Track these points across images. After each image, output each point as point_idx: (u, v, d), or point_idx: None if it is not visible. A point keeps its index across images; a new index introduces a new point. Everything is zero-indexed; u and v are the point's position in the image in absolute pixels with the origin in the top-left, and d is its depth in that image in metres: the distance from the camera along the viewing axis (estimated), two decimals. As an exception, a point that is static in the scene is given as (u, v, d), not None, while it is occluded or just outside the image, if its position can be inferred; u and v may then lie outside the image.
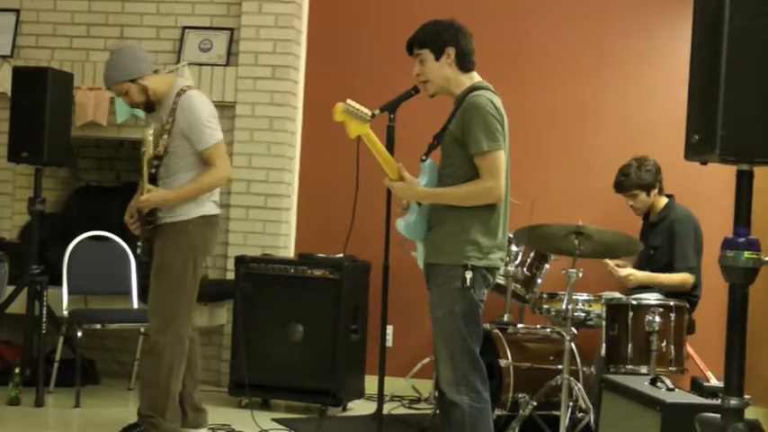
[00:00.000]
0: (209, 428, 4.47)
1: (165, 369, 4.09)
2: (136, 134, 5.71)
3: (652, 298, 4.55)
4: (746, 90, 2.29)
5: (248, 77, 5.83)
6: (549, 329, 4.93)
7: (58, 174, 6.30)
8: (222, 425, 4.61)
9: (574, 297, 4.41)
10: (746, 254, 2.35)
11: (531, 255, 4.85)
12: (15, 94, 5.37)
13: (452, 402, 3.35)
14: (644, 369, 4.36)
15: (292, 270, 5.22)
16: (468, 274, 3.31)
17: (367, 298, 5.41)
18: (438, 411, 4.36)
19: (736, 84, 2.28)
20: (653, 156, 5.01)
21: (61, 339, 5.31)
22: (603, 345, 4.55)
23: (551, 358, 4.70)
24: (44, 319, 5.12)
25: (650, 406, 3.25)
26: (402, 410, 5.36)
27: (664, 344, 4.42)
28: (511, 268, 4.76)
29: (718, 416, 2.40)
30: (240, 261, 5.27)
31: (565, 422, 4.20)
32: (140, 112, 4.79)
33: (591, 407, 4.31)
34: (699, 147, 2.40)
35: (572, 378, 4.32)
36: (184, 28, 6.00)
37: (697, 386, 4.54)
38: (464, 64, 3.48)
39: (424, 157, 3.49)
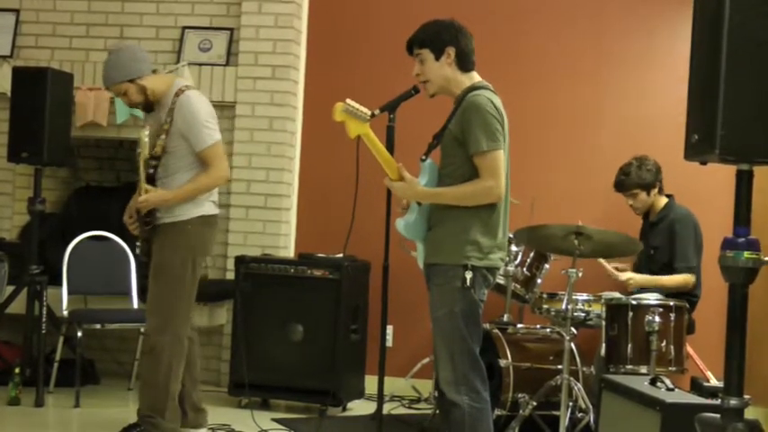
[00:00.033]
0: (209, 428, 4.47)
1: (164, 369, 4.09)
2: (136, 134, 5.64)
3: (652, 298, 4.55)
4: (746, 90, 2.28)
5: (248, 77, 5.83)
6: (548, 329, 4.93)
7: (57, 174, 6.30)
8: (222, 425, 4.61)
9: (573, 297, 4.41)
10: (746, 254, 2.35)
11: (531, 255, 4.85)
12: (15, 94, 5.36)
13: (452, 402, 3.35)
14: (644, 369, 4.36)
15: (292, 270, 5.22)
16: (468, 274, 3.31)
17: (367, 298, 5.41)
18: (438, 411, 4.36)
19: (736, 83, 2.28)
20: (653, 155, 5.01)
21: (61, 339, 5.31)
22: (603, 345, 4.55)
23: (551, 358, 4.70)
24: (44, 319, 5.12)
25: (650, 406, 3.25)
26: (402, 410, 5.36)
27: (663, 344, 4.42)
28: (511, 268, 4.76)
29: (718, 416, 2.39)
30: (240, 261, 5.27)
31: (564, 422, 4.20)
32: (140, 113, 4.79)
33: (591, 407, 4.31)
34: (698, 146, 2.40)
35: (572, 378, 4.32)
36: (184, 28, 6.00)
37: (697, 386, 4.53)
38: (464, 64, 3.48)
39: (423, 157, 3.49)
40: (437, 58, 3.45)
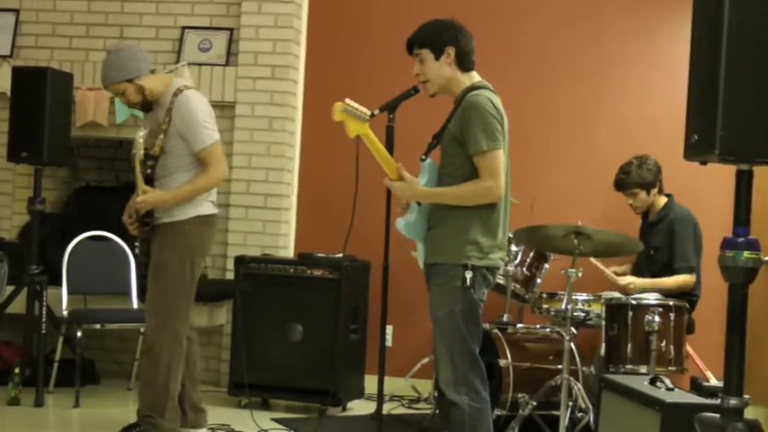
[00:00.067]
0: (209, 428, 4.47)
1: (164, 369, 4.09)
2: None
3: (651, 298, 4.56)
4: (746, 90, 2.28)
5: (248, 77, 5.83)
6: (548, 329, 4.92)
7: (57, 174, 6.29)
8: (222, 425, 4.61)
9: (573, 297, 4.41)
10: (746, 254, 2.34)
11: (531, 254, 4.85)
12: (15, 93, 5.36)
13: (452, 402, 3.35)
14: (643, 369, 4.36)
15: (292, 270, 5.22)
16: (468, 274, 3.31)
17: (367, 298, 5.41)
18: (437, 411, 4.36)
19: (736, 84, 2.28)
20: (653, 155, 5.00)
21: (61, 339, 5.31)
22: (603, 344, 4.55)
23: (551, 358, 4.70)
24: (44, 319, 5.12)
25: (650, 406, 3.25)
26: (402, 410, 5.36)
27: (663, 343, 4.42)
28: (510, 268, 4.76)
29: (718, 416, 2.39)
30: (240, 261, 5.27)
31: (564, 422, 4.19)
32: (140, 113, 4.79)
33: (590, 407, 4.31)
34: (698, 147, 2.39)
35: (571, 378, 4.32)
36: (184, 28, 6.00)
37: (696, 386, 4.52)
38: (464, 63, 3.48)
39: (423, 157, 3.49)
40: (437, 58, 3.45)
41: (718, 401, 2.51)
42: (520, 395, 4.50)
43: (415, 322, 5.60)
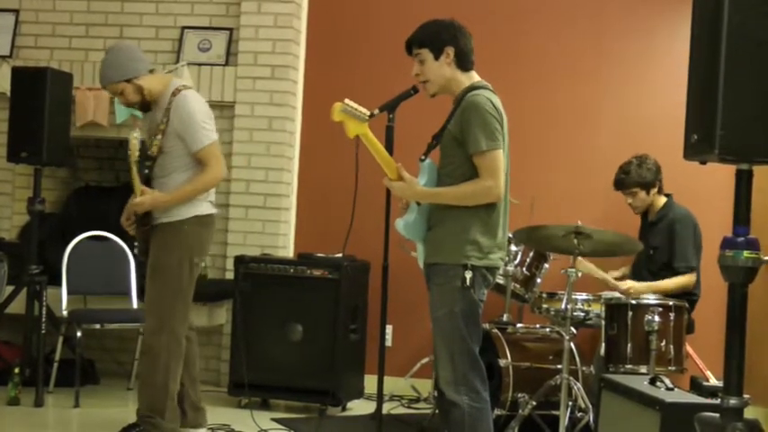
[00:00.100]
0: (209, 428, 4.47)
1: (162, 369, 4.09)
2: (136, 134, 5.72)
3: (651, 297, 4.56)
4: (745, 90, 2.28)
5: (247, 77, 5.83)
6: (548, 329, 4.92)
7: (57, 174, 6.29)
8: (222, 425, 4.61)
9: (573, 296, 4.41)
10: (746, 253, 2.34)
11: (531, 254, 4.85)
12: (14, 94, 5.36)
13: (452, 402, 3.35)
14: (643, 368, 4.36)
15: (291, 270, 5.22)
16: (468, 274, 3.31)
17: (366, 298, 5.41)
18: (437, 411, 4.36)
19: (735, 83, 2.28)
20: (652, 155, 5.00)
21: (61, 339, 5.31)
22: (603, 344, 4.55)
23: (551, 358, 4.70)
24: (43, 319, 5.12)
25: (650, 405, 3.24)
26: (401, 410, 5.36)
27: (663, 343, 4.42)
28: (510, 268, 4.76)
29: (718, 415, 2.39)
30: (239, 261, 5.27)
31: (564, 422, 4.19)
32: (140, 113, 4.79)
33: (590, 406, 4.31)
34: (698, 146, 2.39)
35: (571, 378, 4.32)
36: (183, 28, 6.00)
37: (696, 386, 4.52)
38: (463, 63, 3.48)
39: (423, 157, 3.49)
40: (436, 58, 3.45)
41: (717, 401, 2.51)
42: (520, 395, 4.49)
43: (415, 322, 5.60)
